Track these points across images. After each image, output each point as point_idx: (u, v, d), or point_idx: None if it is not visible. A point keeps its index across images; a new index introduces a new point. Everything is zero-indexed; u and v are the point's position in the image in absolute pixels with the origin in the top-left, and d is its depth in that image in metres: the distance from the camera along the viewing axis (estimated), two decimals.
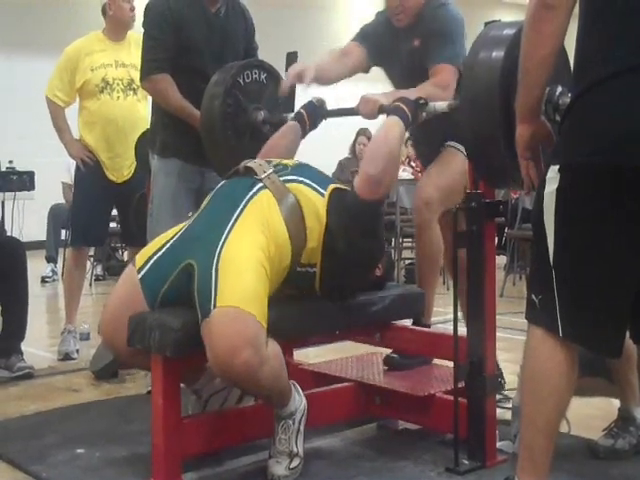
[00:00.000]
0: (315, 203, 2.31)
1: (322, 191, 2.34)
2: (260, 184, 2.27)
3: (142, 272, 2.24)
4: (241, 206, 2.22)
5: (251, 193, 2.25)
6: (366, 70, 2.95)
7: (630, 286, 1.71)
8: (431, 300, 2.81)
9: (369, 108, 2.59)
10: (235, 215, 2.20)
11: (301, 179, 2.34)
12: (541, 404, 1.78)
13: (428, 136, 2.89)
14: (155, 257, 2.26)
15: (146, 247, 2.35)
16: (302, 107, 2.75)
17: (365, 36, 2.93)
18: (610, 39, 1.65)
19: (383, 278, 2.59)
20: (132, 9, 3.86)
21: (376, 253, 2.48)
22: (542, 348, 1.78)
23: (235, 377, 2.05)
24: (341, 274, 2.34)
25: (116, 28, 3.91)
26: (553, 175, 1.72)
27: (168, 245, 2.27)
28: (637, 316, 1.76)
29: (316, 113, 2.75)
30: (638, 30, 1.62)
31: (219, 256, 2.11)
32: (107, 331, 2.28)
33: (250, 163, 2.36)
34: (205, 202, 2.37)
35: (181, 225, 2.35)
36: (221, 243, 2.14)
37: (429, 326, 2.81)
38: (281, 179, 2.31)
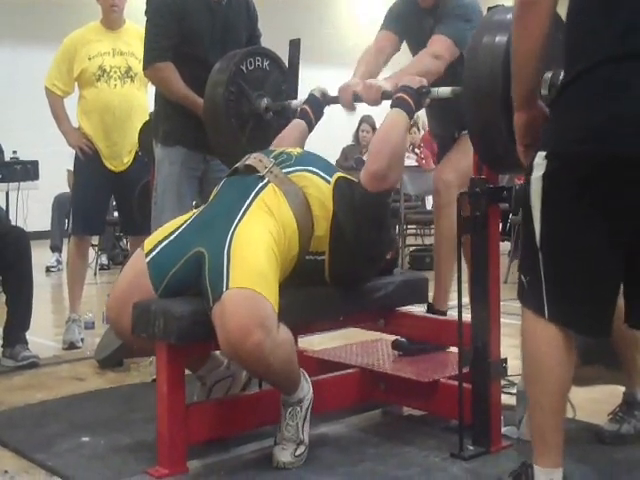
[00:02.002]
0: (322, 190, 2.32)
1: (328, 178, 2.35)
2: (264, 180, 2.28)
3: (150, 256, 2.25)
4: (249, 199, 2.24)
5: (257, 188, 2.26)
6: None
7: (611, 271, 1.74)
8: (448, 284, 2.80)
9: (372, 94, 2.59)
10: (244, 206, 2.22)
11: (307, 167, 2.35)
12: (542, 384, 1.80)
13: (444, 119, 2.95)
14: (164, 242, 2.27)
15: (155, 233, 2.37)
16: (305, 102, 2.76)
17: (393, 19, 2.92)
18: (594, 31, 1.69)
19: (392, 262, 2.60)
20: None
21: (384, 244, 2.49)
22: (535, 330, 1.81)
23: (246, 358, 2.03)
24: (350, 262, 2.35)
25: (106, 17, 3.91)
26: (540, 161, 1.77)
27: (178, 232, 2.28)
28: (629, 299, 1.79)
29: (318, 105, 2.75)
30: (619, 22, 1.65)
31: (231, 241, 2.13)
32: (112, 313, 2.30)
33: (249, 161, 2.37)
34: (213, 195, 2.39)
35: (190, 214, 2.38)
36: (232, 230, 2.15)
37: (445, 312, 2.81)
38: (285, 170, 2.32)
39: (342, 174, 2.41)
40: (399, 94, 2.44)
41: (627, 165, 1.65)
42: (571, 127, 1.72)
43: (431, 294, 2.85)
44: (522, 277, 1.85)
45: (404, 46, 2.97)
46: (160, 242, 2.28)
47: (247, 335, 1.97)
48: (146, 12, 3.16)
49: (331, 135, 7.96)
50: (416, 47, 2.89)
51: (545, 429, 1.81)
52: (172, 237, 2.28)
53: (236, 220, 2.18)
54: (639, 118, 1.62)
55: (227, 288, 2.03)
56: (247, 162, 2.37)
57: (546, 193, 1.76)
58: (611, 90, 1.66)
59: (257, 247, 2.13)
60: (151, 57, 3.13)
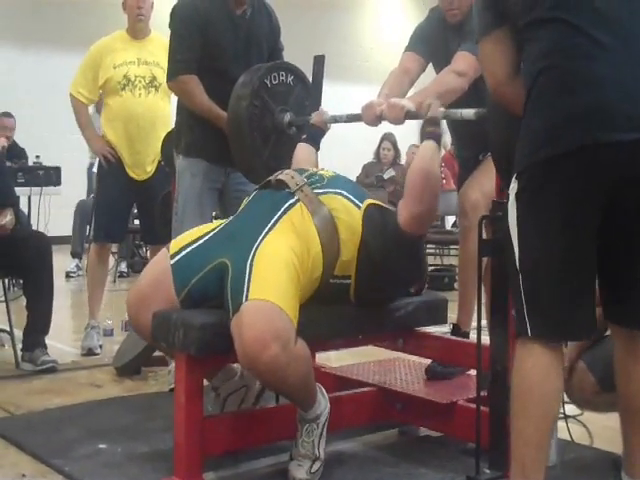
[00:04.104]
0: (352, 215, 2.31)
1: (359, 203, 2.35)
2: (294, 197, 2.29)
3: (175, 259, 2.27)
4: (277, 215, 2.24)
5: (286, 205, 2.26)
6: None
7: (586, 272, 1.78)
8: (474, 306, 2.80)
9: (396, 113, 2.60)
10: (271, 222, 2.22)
11: (338, 190, 2.35)
12: (529, 414, 1.79)
13: (468, 141, 2.95)
14: (189, 248, 2.28)
15: (182, 236, 2.38)
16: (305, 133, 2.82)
17: (418, 41, 2.92)
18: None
19: (417, 294, 2.61)
20: (139, 7, 3.87)
21: (415, 274, 2.51)
22: (525, 359, 1.81)
23: (262, 371, 2.03)
24: (376, 288, 2.36)
25: (131, 26, 3.95)
26: (513, 185, 1.84)
27: (204, 239, 2.29)
28: (609, 300, 1.85)
29: (314, 137, 2.80)
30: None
31: (254, 253, 2.14)
32: (132, 309, 2.30)
33: (282, 176, 2.37)
34: (242, 206, 2.40)
35: (216, 223, 2.38)
36: (257, 244, 2.16)
37: (468, 334, 2.80)
38: (316, 191, 2.32)
39: (373, 201, 2.40)
40: (431, 128, 2.41)
41: (583, 159, 1.71)
42: (527, 143, 1.79)
43: (453, 315, 2.85)
44: (512, 312, 1.88)
45: (430, 67, 2.98)
46: (185, 247, 2.28)
47: (264, 347, 1.98)
48: (170, 25, 3.18)
49: (352, 152, 7.99)
50: (442, 68, 2.90)
51: (526, 463, 1.78)
52: (198, 244, 2.28)
53: (262, 235, 2.19)
54: (589, 111, 1.70)
55: (246, 300, 2.04)
56: (279, 177, 2.37)
57: (519, 209, 1.81)
58: (545, 101, 1.75)
59: (279, 262, 2.13)
60: (175, 69, 3.14)
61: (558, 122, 1.74)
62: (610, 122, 1.69)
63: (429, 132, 2.42)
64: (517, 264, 1.82)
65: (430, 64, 2.97)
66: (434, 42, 2.89)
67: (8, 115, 6.91)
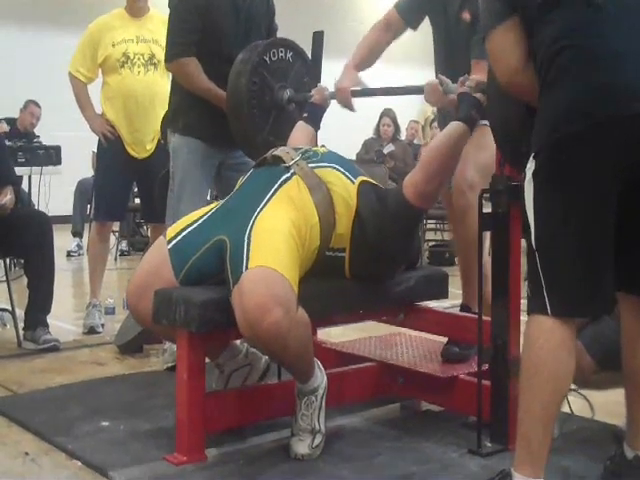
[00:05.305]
0: (347, 189, 2.33)
1: (352, 179, 2.36)
2: (290, 171, 2.29)
3: (172, 243, 2.28)
4: (273, 189, 2.25)
5: (282, 179, 2.28)
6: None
7: (604, 247, 1.77)
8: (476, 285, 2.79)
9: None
10: (267, 196, 2.23)
11: (333, 165, 2.36)
12: (538, 391, 1.78)
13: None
14: (186, 230, 2.29)
15: (179, 221, 2.39)
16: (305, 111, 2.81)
17: (407, 6, 2.86)
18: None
19: (413, 263, 2.61)
20: None
21: (409, 251, 2.51)
22: (538, 335, 1.81)
23: (264, 338, 2.02)
24: (369, 262, 2.36)
25: (130, 4, 3.92)
26: (530, 165, 1.83)
27: (200, 221, 2.31)
28: (622, 266, 1.83)
29: (315, 115, 2.80)
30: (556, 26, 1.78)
31: (252, 226, 2.15)
32: (132, 299, 2.32)
33: (277, 152, 2.38)
34: (237, 186, 2.40)
35: (212, 205, 2.40)
36: (253, 218, 2.17)
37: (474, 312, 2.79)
38: (311, 165, 2.33)
39: (365, 178, 2.40)
40: (473, 112, 2.36)
41: (600, 135, 1.70)
42: (545, 123, 1.79)
43: (454, 290, 2.84)
44: (527, 288, 1.87)
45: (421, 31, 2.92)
46: (183, 230, 2.30)
47: (265, 313, 1.97)
48: (169, 3, 3.15)
49: (352, 128, 7.96)
50: (440, 32, 2.82)
51: (532, 439, 1.79)
52: (195, 225, 2.30)
53: (258, 209, 2.20)
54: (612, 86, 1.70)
55: (246, 269, 2.04)
56: (275, 153, 2.38)
57: (535, 188, 1.81)
58: (567, 82, 1.74)
59: (277, 232, 2.14)
60: (175, 52, 3.12)
61: (574, 102, 1.73)
62: (626, 96, 1.69)
63: (470, 116, 2.35)
64: (533, 243, 1.81)
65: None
66: (432, 5, 2.80)
67: (36, 104, 6.97)
